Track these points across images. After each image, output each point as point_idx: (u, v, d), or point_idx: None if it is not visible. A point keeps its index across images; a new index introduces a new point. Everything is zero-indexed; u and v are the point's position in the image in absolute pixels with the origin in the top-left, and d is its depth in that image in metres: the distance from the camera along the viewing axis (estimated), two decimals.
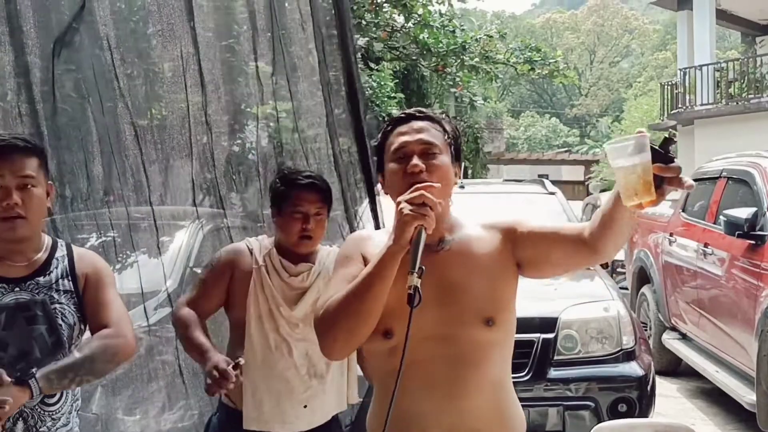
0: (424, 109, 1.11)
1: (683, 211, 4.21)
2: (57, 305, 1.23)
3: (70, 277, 1.26)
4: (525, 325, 2.73)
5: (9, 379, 1.09)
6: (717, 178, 3.86)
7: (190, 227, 2.00)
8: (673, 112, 11.29)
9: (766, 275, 2.93)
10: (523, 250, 1.07)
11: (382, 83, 7.14)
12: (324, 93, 1.83)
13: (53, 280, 1.24)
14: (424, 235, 0.96)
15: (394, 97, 7.36)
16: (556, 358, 2.58)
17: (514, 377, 2.81)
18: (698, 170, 4.46)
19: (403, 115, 1.10)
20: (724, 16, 11.49)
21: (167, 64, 1.48)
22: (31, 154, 1.20)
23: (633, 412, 2.50)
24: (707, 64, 10.60)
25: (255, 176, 1.87)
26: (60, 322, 1.23)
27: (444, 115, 1.12)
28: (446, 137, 1.08)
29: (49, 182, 1.26)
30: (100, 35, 1.31)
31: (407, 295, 0.95)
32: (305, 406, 1.46)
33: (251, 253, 1.50)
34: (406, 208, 0.96)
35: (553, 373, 2.56)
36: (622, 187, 0.92)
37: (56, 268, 1.26)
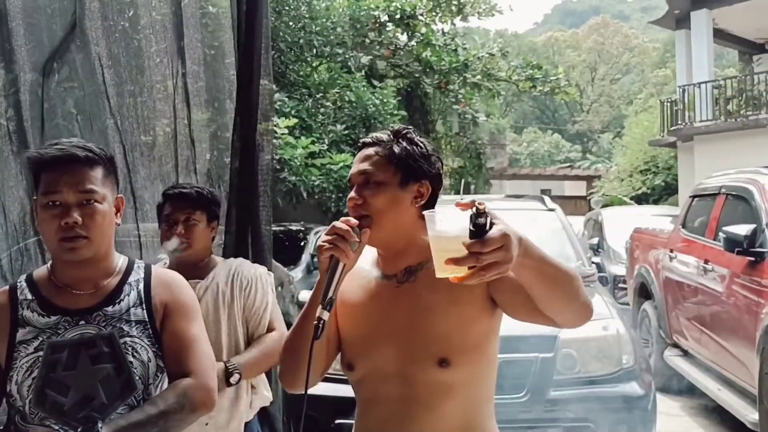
0: (378, 135, 1.06)
1: (683, 227, 4.19)
2: (127, 338, 1.05)
3: (144, 306, 1.08)
4: (523, 344, 2.72)
5: None
6: (716, 194, 3.85)
7: None
8: (672, 128, 11.34)
9: (766, 292, 2.89)
10: (501, 292, 0.99)
11: (385, 100, 7.21)
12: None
13: (123, 309, 1.07)
14: (341, 266, 0.95)
15: (397, 114, 7.43)
16: (555, 378, 2.54)
17: (512, 398, 2.74)
18: (698, 186, 4.45)
19: (361, 144, 1.08)
20: (721, 35, 11.63)
21: (158, 82, 1.50)
22: (94, 165, 1.04)
23: None
24: (706, 82, 10.69)
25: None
26: (131, 359, 1.05)
27: (400, 136, 1.05)
28: (391, 162, 1.02)
29: (119, 195, 1.10)
30: (92, 54, 1.33)
31: (319, 327, 0.92)
32: (206, 424, 1.43)
33: None
34: (321, 239, 0.96)
35: (553, 393, 2.51)
36: (434, 259, 0.85)
37: (128, 295, 1.09)
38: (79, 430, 0.96)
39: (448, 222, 0.85)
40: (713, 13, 10.76)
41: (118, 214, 1.09)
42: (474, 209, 0.80)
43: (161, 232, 1.54)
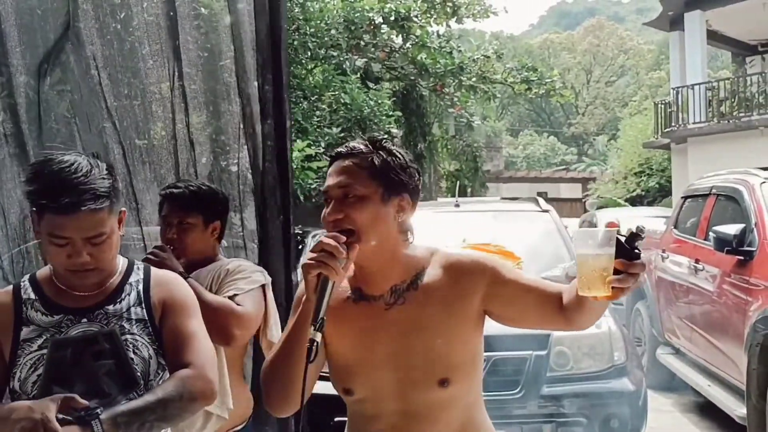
0: (353, 145, 1.00)
1: (675, 227, 4.24)
2: (128, 336, 1.08)
3: (143, 305, 1.12)
4: (517, 342, 2.76)
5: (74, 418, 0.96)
6: (707, 195, 3.90)
7: None
8: (666, 130, 11.42)
9: (754, 290, 2.94)
10: (496, 304, 0.99)
11: (380, 102, 7.24)
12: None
13: (124, 308, 1.10)
14: (330, 285, 0.90)
15: (392, 116, 7.46)
16: (548, 374, 2.57)
17: (507, 395, 2.77)
18: (689, 187, 4.50)
19: (333, 155, 1.01)
20: (715, 37, 11.72)
21: (154, 83, 1.52)
22: (100, 209, 1.03)
23: (625, 427, 2.48)
24: (699, 84, 10.77)
25: (252, 195, 1.88)
26: (132, 355, 1.08)
27: (380, 145, 0.99)
28: (373, 175, 0.96)
29: (122, 209, 1.11)
30: (87, 55, 1.34)
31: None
32: None
33: None
34: (307, 258, 0.91)
35: (546, 389, 2.55)
36: (579, 276, 0.88)
37: (128, 294, 1.12)
38: (80, 413, 0.97)
39: (595, 241, 0.87)
40: (707, 14, 10.85)
41: (121, 225, 1.11)
42: (636, 230, 0.85)
43: (160, 234, 1.51)
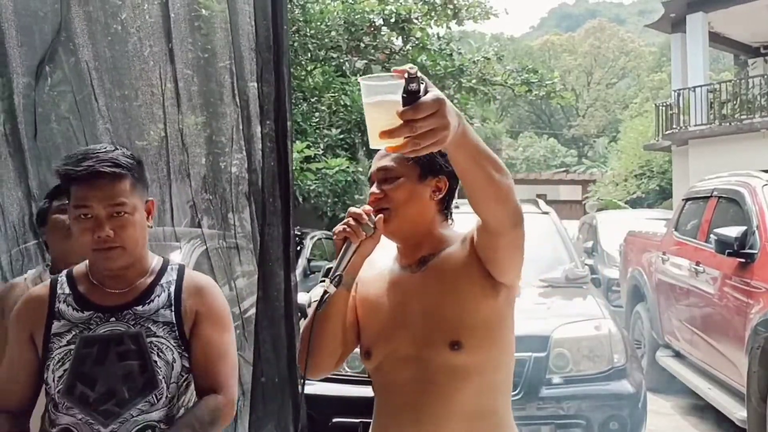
0: None
1: (676, 230, 4.23)
2: (154, 338, 1.09)
3: (173, 308, 1.12)
4: (517, 343, 2.73)
5: None
6: (708, 197, 3.89)
7: (184, 248, 2.01)
8: (667, 132, 11.41)
9: (755, 293, 2.93)
10: (480, 251, 1.01)
11: None
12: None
13: (153, 309, 1.11)
14: (352, 247, 0.99)
15: None
16: (548, 376, 2.57)
17: None
18: (691, 190, 4.50)
19: None
20: (717, 39, 11.72)
21: (152, 85, 1.52)
22: (120, 178, 1.07)
23: (625, 430, 2.48)
24: (701, 86, 10.77)
25: (251, 197, 1.88)
26: (155, 358, 1.09)
27: None
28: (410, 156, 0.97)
29: (150, 199, 1.14)
30: (83, 56, 1.35)
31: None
32: None
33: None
34: (336, 230, 1.00)
35: (545, 391, 2.54)
36: (367, 126, 0.79)
37: (158, 296, 1.13)
38: (102, 417, 1.01)
39: (382, 90, 0.76)
40: (709, 16, 10.85)
41: (150, 217, 1.13)
42: (406, 75, 0.73)
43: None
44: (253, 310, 1.84)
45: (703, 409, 3.70)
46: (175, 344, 1.10)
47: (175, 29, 1.52)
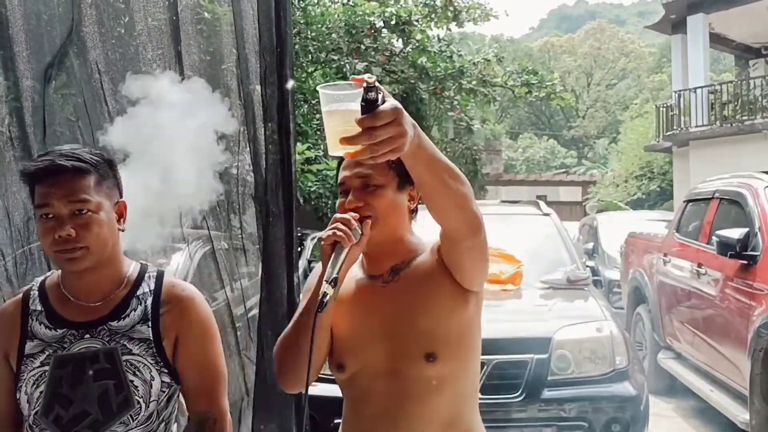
0: None
1: (677, 231, 4.23)
2: (129, 356, 1.02)
3: (150, 323, 1.04)
4: (518, 345, 2.76)
5: None
6: (710, 199, 3.89)
7: (186, 250, 2.01)
8: (668, 133, 11.42)
9: (758, 295, 2.93)
10: (445, 259, 1.01)
11: None
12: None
13: (128, 325, 1.04)
14: (343, 251, 0.95)
15: None
16: (549, 378, 2.57)
17: (508, 398, 2.77)
18: (692, 191, 4.50)
19: None
20: (717, 40, 11.73)
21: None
22: (82, 174, 1.00)
23: None
24: (701, 87, 10.78)
25: (253, 198, 1.89)
26: (131, 377, 1.02)
27: None
28: (390, 165, 1.01)
29: (120, 200, 1.06)
30: (90, 59, 1.35)
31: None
32: None
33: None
34: (323, 234, 0.97)
35: (547, 393, 2.55)
36: (326, 134, 0.81)
37: (134, 310, 1.05)
38: None
39: (339, 98, 0.79)
40: (709, 17, 10.86)
41: (122, 220, 1.05)
42: (364, 85, 0.75)
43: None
44: (256, 311, 1.84)
45: (705, 411, 3.70)
46: (152, 362, 1.04)
47: (182, 32, 1.53)
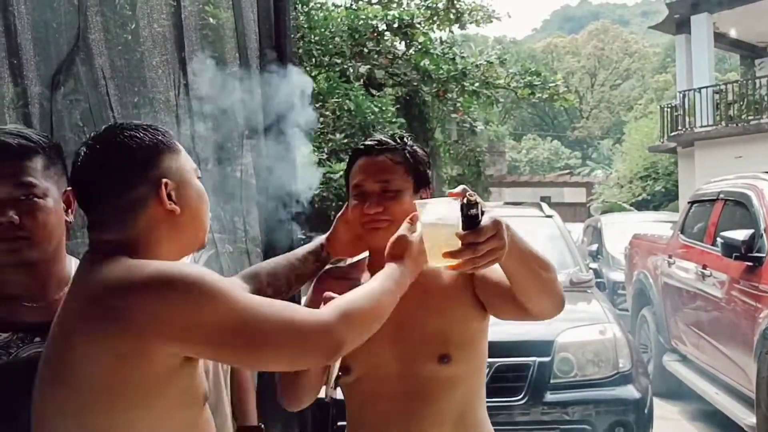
0: (386, 140, 1.05)
1: (682, 233, 4.22)
2: None
3: None
4: (521, 348, 2.75)
5: None
6: (715, 200, 3.88)
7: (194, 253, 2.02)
8: (673, 134, 11.37)
9: (763, 297, 2.92)
10: (482, 295, 1.03)
11: (384, 108, 7.27)
12: None
13: None
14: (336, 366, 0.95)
15: (396, 122, 7.49)
16: (552, 381, 2.56)
17: (510, 401, 2.77)
18: (697, 192, 4.48)
19: (363, 147, 1.06)
20: (722, 39, 11.69)
21: (161, 92, 1.55)
22: (31, 154, 0.88)
23: None
24: (706, 87, 10.73)
25: (259, 201, 1.90)
26: None
27: (408, 141, 1.07)
28: (408, 170, 1.04)
29: (68, 188, 0.92)
30: (96, 66, 1.37)
31: None
32: None
33: None
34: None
35: (550, 396, 2.54)
36: (426, 247, 0.87)
37: None
38: None
39: (439, 212, 0.85)
40: (714, 17, 10.81)
41: (69, 211, 0.92)
42: (465, 200, 0.81)
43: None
44: None
45: (711, 414, 3.67)
46: None
47: (186, 38, 1.55)
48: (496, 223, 0.82)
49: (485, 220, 0.81)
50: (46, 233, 0.89)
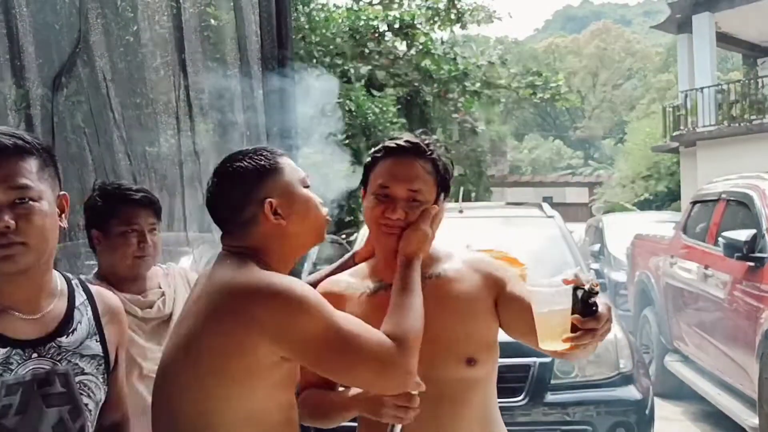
0: (417, 143, 1.04)
1: (684, 233, 4.20)
2: (82, 377, 0.89)
3: (98, 337, 0.92)
4: (521, 348, 2.72)
5: None
6: (717, 200, 3.86)
7: (192, 254, 2.03)
8: (675, 133, 11.34)
9: (766, 297, 2.90)
10: (503, 310, 1.06)
11: (385, 109, 7.28)
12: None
13: (78, 340, 0.90)
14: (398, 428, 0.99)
15: (396, 123, 7.50)
16: (553, 382, 2.56)
17: (511, 402, 2.77)
18: (699, 192, 4.47)
19: (394, 147, 1.05)
20: (724, 39, 11.64)
21: (161, 94, 1.55)
22: (25, 156, 0.85)
23: None
24: (708, 86, 10.69)
25: None
26: (86, 400, 0.89)
27: (437, 147, 1.07)
28: (436, 180, 1.04)
29: (62, 192, 0.90)
30: (98, 68, 1.38)
31: None
32: None
33: None
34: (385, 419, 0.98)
35: (551, 397, 2.54)
36: (537, 329, 0.93)
37: (80, 322, 0.91)
38: None
39: (551, 301, 0.91)
40: (716, 16, 10.77)
41: (63, 216, 0.90)
42: (588, 288, 0.89)
43: (124, 242, 1.31)
44: None
45: (713, 415, 3.66)
46: (102, 380, 0.92)
47: (186, 39, 1.56)
48: (609, 309, 0.90)
49: (601, 307, 0.89)
50: (41, 238, 0.86)
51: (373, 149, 1.08)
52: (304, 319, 0.89)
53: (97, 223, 1.33)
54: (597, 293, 0.89)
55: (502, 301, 1.06)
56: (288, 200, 0.97)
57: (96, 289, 0.98)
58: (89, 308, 0.94)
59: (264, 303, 0.88)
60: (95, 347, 0.92)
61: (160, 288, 1.39)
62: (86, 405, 0.90)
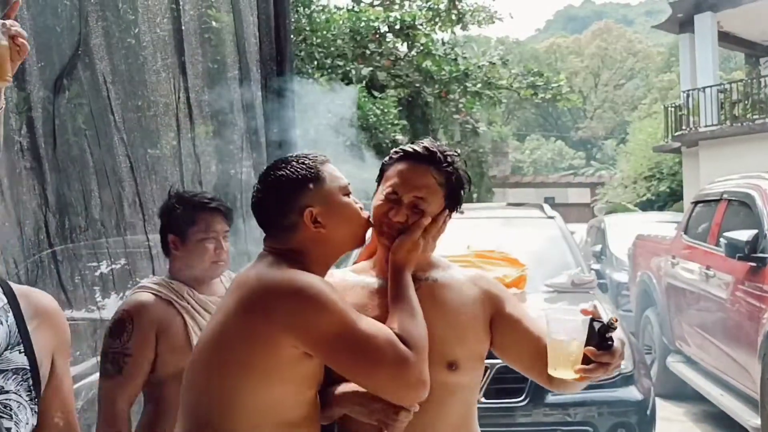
0: (435, 151, 1.04)
1: (685, 233, 4.20)
2: (2, 396, 0.75)
3: (22, 347, 0.77)
4: None
5: None
6: (718, 200, 3.86)
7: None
8: (677, 133, 11.31)
9: (767, 297, 2.90)
10: (499, 331, 1.06)
11: (386, 110, 7.28)
12: None
13: None
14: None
15: (398, 124, 7.50)
16: None
17: (512, 402, 2.76)
18: (700, 192, 4.46)
19: (411, 151, 1.05)
20: (726, 38, 11.61)
21: (162, 97, 1.56)
22: None
23: None
24: (710, 86, 10.66)
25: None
26: (7, 423, 0.75)
27: (457, 160, 1.06)
28: (446, 193, 1.04)
29: None
30: (98, 70, 1.39)
31: None
32: None
33: (161, 298, 1.32)
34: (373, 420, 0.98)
35: (551, 397, 2.53)
36: (549, 356, 0.94)
37: None
38: None
39: (568, 330, 0.92)
40: (718, 16, 10.74)
41: None
42: (607, 323, 0.90)
43: (195, 246, 1.36)
44: None
45: (715, 415, 3.66)
46: (28, 399, 0.77)
47: (186, 42, 1.56)
48: (623, 344, 0.93)
49: (616, 343, 0.91)
50: None
51: (393, 149, 1.11)
52: (322, 316, 0.92)
53: (175, 228, 1.39)
54: (615, 328, 0.90)
55: (499, 321, 1.06)
56: (328, 209, 1.01)
57: (22, 290, 0.83)
58: (10, 313, 0.78)
59: (285, 299, 0.92)
60: (18, 359, 0.77)
61: (216, 294, 1.43)
62: (8, 430, 0.75)
